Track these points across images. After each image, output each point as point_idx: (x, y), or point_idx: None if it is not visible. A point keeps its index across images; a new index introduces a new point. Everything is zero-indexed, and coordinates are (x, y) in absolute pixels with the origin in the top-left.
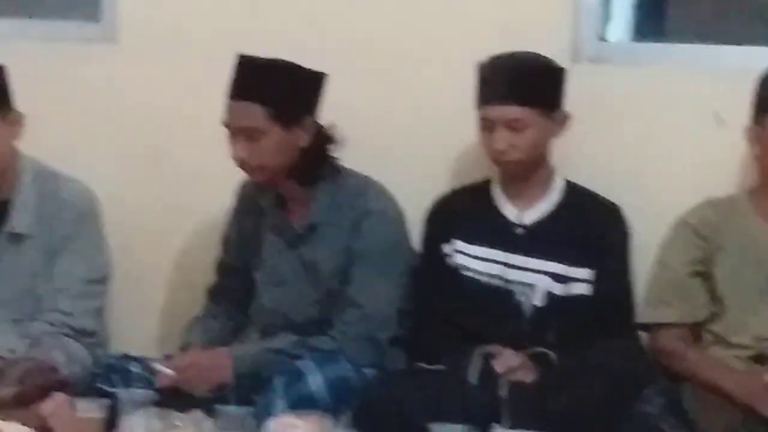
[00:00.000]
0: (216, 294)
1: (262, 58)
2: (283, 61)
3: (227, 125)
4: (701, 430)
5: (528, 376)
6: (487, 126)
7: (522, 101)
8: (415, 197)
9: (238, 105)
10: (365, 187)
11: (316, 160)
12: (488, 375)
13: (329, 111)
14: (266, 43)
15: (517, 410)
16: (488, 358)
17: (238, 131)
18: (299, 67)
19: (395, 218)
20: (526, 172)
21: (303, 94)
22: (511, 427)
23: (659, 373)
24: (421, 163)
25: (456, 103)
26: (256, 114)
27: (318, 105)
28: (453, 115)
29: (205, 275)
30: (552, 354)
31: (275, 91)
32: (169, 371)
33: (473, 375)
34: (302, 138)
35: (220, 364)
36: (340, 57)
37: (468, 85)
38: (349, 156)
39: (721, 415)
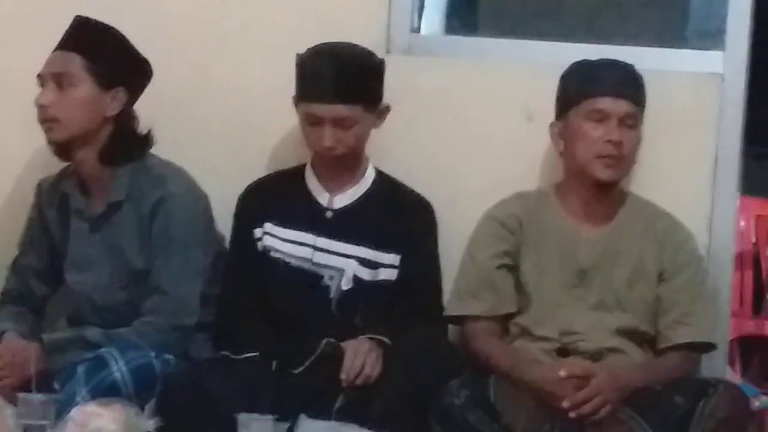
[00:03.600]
0: (9, 297)
1: (95, 20)
2: (115, 29)
3: (41, 75)
4: (506, 421)
5: (375, 370)
6: (314, 122)
7: (350, 100)
8: (229, 185)
9: (58, 54)
10: (166, 171)
11: (120, 141)
12: (321, 367)
13: (139, 100)
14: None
15: (348, 405)
16: (329, 351)
17: (50, 77)
18: (129, 42)
19: (195, 203)
20: (347, 164)
21: (124, 65)
22: (338, 419)
23: (466, 364)
24: (235, 151)
25: (271, 90)
26: (73, 61)
27: (136, 89)
28: (267, 103)
29: None
30: (386, 340)
31: (98, 48)
32: None
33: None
34: (111, 106)
35: (23, 358)
36: (154, 44)
37: (283, 73)
38: (163, 143)
39: (526, 407)
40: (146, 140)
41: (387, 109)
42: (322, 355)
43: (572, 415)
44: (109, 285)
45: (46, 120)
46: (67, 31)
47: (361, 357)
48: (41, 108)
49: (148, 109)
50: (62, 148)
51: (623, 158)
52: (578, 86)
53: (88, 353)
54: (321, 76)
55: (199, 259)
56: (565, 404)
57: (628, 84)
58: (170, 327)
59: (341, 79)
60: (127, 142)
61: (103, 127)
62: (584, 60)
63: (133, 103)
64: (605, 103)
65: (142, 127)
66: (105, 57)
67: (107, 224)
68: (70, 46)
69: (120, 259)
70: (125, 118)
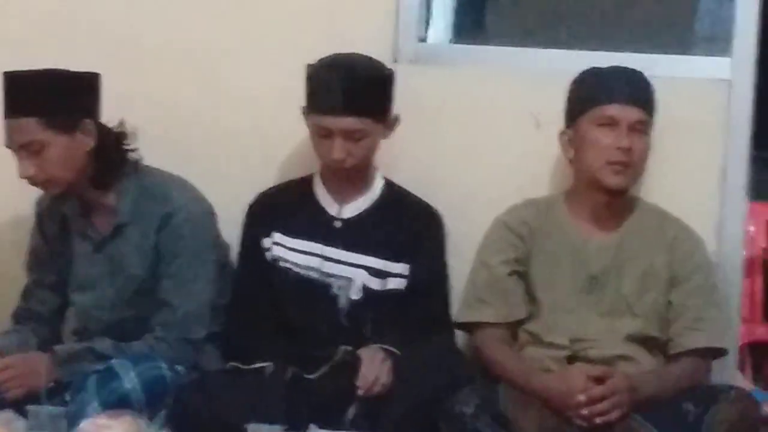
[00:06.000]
0: (22, 317)
1: (27, 71)
2: (47, 69)
3: (9, 146)
4: (516, 429)
5: (387, 380)
6: (324, 134)
7: (360, 112)
8: (237, 193)
9: (13, 123)
10: (169, 184)
11: (108, 161)
12: (337, 375)
13: (148, 109)
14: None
15: (359, 414)
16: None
17: (20, 149)
18: (66, 72)
19: (202, 214)
20: (356, 174)
21: (75, 98)
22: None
23: (475, 372)
24: (243, 160)
25: (278, 99)
26: (31, 127)
27: (95, 106)
28: (275, 112)
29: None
30: (397, 351)
31: (45, 100)
32: None
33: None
34: (86, 142)
35: (34, 368)
36: (161, 56)
37: (291, 82)
38: (170, 155)
39: (536, 415)
40: (126, 136)
41: (397, 120)
42: (339, 362)
43: (584, 412)
44: (115, 303)
45: (39, 184)
46: (6, 94)
47: (377, 366)
48: (28, 179)
49: (155, 118)
50: (64, 195)
51: (633, 165)
52: (588, 94)
53: (99, 365)
54: (331, 89)
55: (207, 271)
56: (581, 398)
57: (637, 91)
58: (181, 341)
59: (352, 92)
60: (115, 159)
61: (89, 161)
62: (593, 67)
63: (100, 117)
64: (615, 110)
65: (116, 125)
66: (56, 104)
67: (112, 244)
68: (19, 111)
69: (125, 277)
70: (103, 138)
